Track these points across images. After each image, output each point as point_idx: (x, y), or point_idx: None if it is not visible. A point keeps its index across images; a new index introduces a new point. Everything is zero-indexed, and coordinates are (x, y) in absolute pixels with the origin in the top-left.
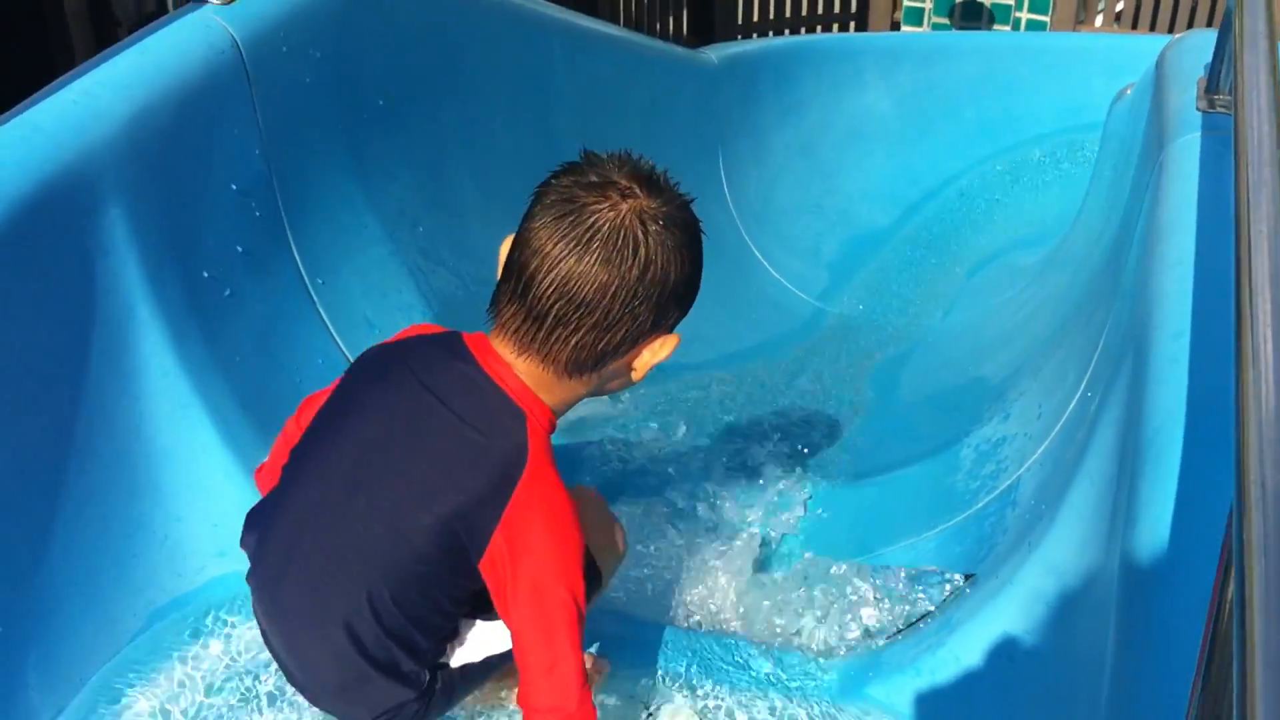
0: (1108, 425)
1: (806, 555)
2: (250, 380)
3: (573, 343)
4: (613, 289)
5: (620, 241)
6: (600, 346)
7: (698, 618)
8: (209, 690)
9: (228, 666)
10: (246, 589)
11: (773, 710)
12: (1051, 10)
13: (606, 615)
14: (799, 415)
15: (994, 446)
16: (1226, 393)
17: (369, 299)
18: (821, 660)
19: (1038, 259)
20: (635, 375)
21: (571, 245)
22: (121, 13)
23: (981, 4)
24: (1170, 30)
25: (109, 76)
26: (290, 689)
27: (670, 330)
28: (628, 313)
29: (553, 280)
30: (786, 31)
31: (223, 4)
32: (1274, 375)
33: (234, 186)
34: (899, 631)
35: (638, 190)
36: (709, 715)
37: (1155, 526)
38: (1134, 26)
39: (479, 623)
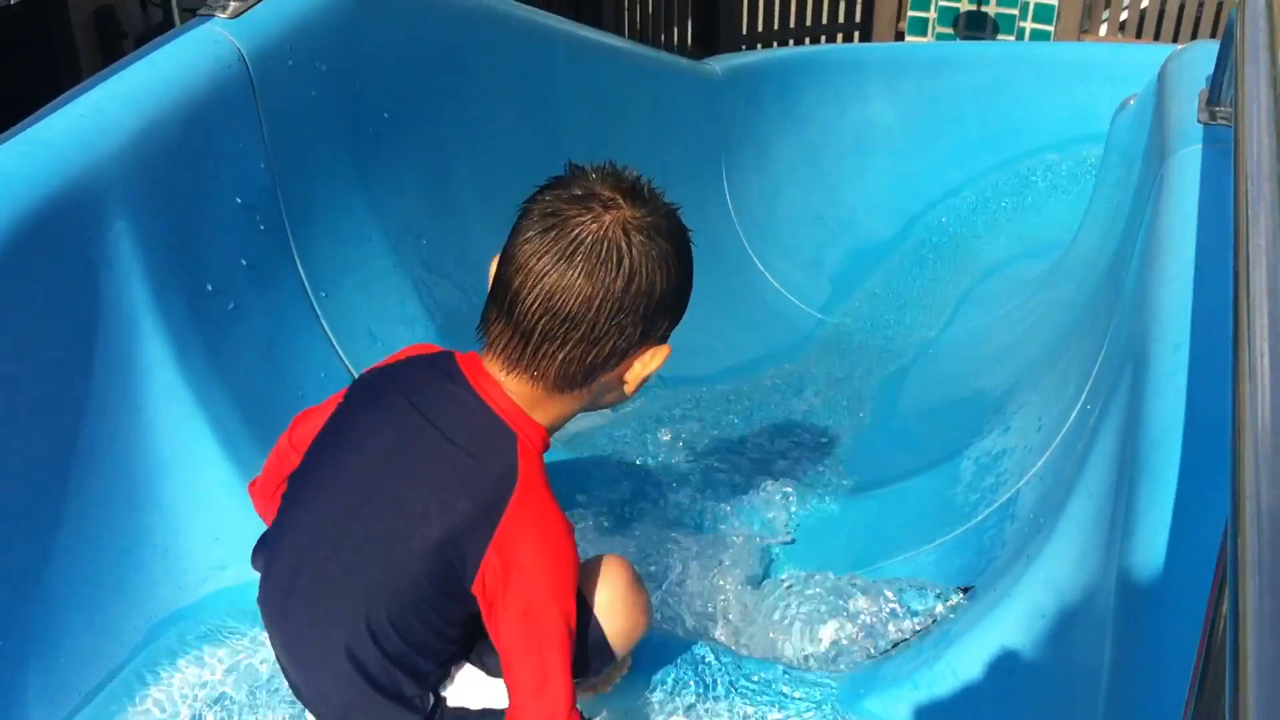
0: (1107, 438)
1: (805, 568)
2: (253, 393)
3: (560, 358)
4: (597, 301)
5: (604, 253)
6: (589, 360)
7: (695, 630)
8: (209, 703)
9: (227, 680)
10: (246, 602)
11: None
12: (1055, 20)
13: None
14: (799, 427)
15: (994, 459)
16: (1224, 407)
17: (372, 312)
18: (819, 673)
19: (1040, 270)
20: (628, 388)
21: (555, 259)
22: (128, 24)
23: (986, 14)
24: (1174, 40)
25: (116, 91)
26: (297, 705)
27: (661, 341)
28: (614, 325)
29: (537, 295)
30: (790, 42)
31: (229, 18)
32: (1271, 390)
33: (239, 200)
34: (897, 645)
35: (621, 201)
36: None
37: (1152, 541)
38: (1138, 36)
39: (479, 675)
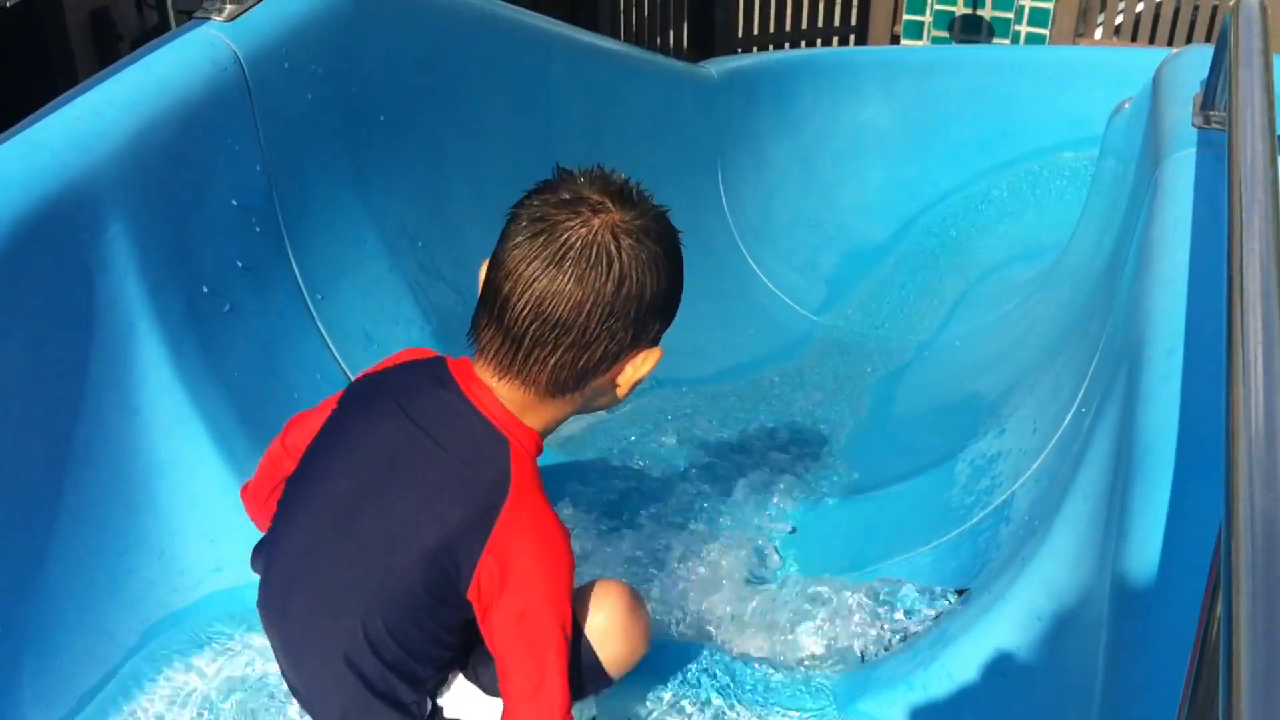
0: (1101, 441)
1: (801, 570)
2: (249, 395)
3: (552, 363)
4: (588, 306)
5: (593, 257)
6: (580, 365)
7: (691, 632)
8: (205, 705)
9: (223, 682)
10: (242, 604)
11: None
12: (1051, 23)
13: None
14: (795, 429)
15: (989, 461)
16: (1218, 410)
17: (368, 314)
18: (815, 675)
19: (1035, 273)
20: (620, 391)
21: (544, 264)
22: (123, 26)
23: (981, 18)
24: (1170, 43)
25: (112, 93)
26: (292, 706)
27: (653, 344)
28: (605, 329)
29: (527, 301)
30: (786, 45)
31: (225, 21)
32: (1264, 393)
33: (235, 202)
34: (892, 646)
35: (610, 205)
36: None
37: (1145, 544)
38: (1133, 39)
39: (476, 692)
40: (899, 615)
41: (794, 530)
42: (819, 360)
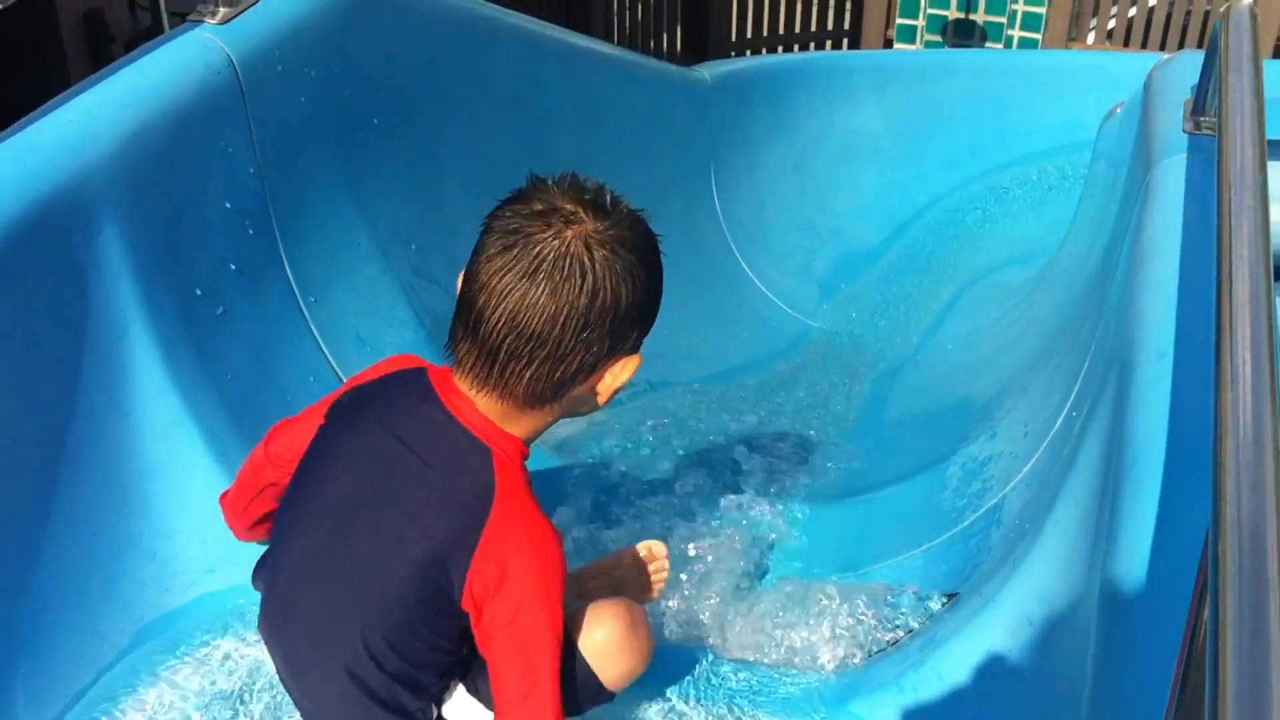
0: (1091, 445)
1: (793, 572)
2: (242, 397)
3: (528, 376)
4: (562, 319)
5: (566, 270)
6: (557, 377)
7: (682, 634)
8: (198, 707)
9: (216, 684)
10: (235, 605)
11: None
12: (1043, 28)
13: None
14: (787, 432)
15: (980, 465)
16: (1208, 414)
17: (361, 317)
18: (806, 677)
19: (1027, 277)
20: (600, 399)
21: (517, 278)
22: (116, 28)
23: (974, 22)
24: (1162, 48)
25: (106, 96)
26: (285, 706)
27: (632, 351)
28: (580, 341)
29: (501, 315)
30: (779, 49)
31: (219, 24)
32: (1252, 397)
33: (228, 205)
34: (883, 649)
35: (583, 215)
36: None
37: (1134, 547)
38: (1125, 44)
39: (478, 706)
40: (890, 618)
41: (786, 533)
42: (812, 363)
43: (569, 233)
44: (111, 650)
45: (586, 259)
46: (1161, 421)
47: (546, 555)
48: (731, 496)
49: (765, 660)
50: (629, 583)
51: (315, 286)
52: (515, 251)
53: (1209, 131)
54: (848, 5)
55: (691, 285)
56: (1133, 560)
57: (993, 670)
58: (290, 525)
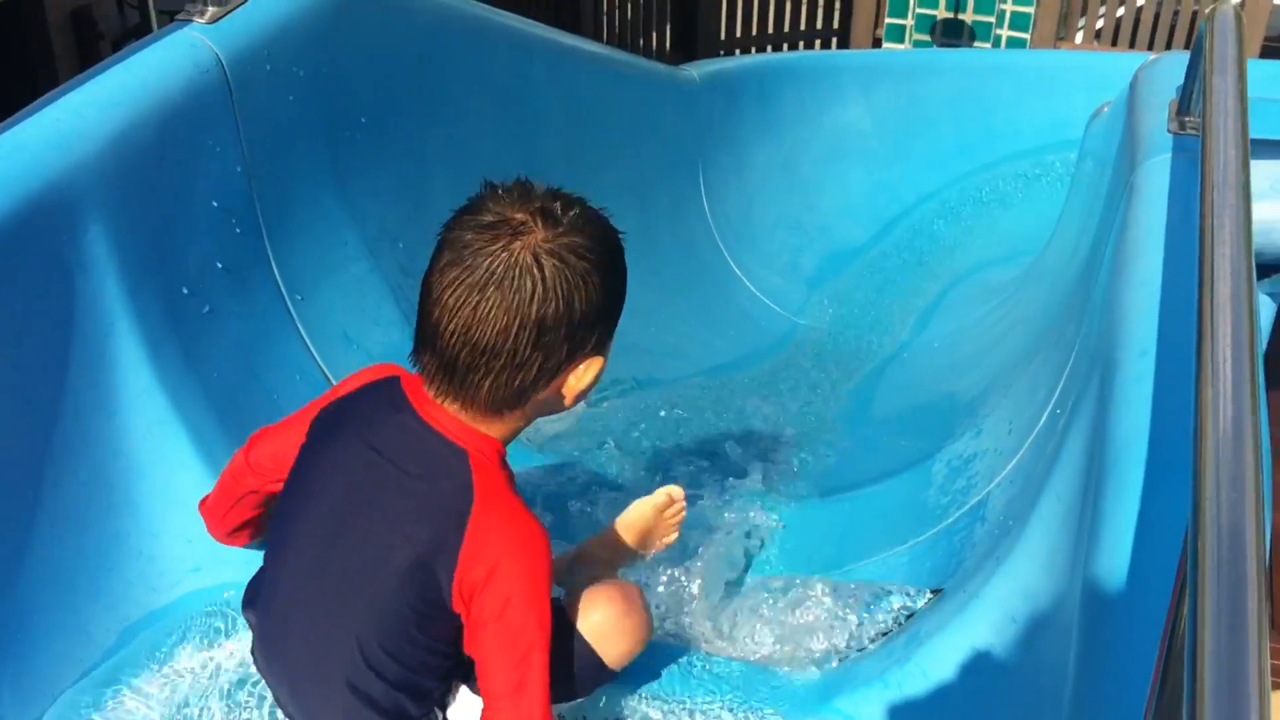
0: (1075, 442)
1: (778, 569)
2: (228, 396)
3: (487, 385)
4: (514, 330)
5: (515, 283)
6: (517, 384)
7: (668, 631)
8: (183, 705)
9: (202, 682)
10: (220, 603)
11: None
12: (1032, 28)
13: None
14: (774, 430)
15: (965, 462)
16: (1189, 412)
17: (348, 315)
18: (792, 673)
19: (1014, 275)
20: (566, 401)
21: (468, 292)
22: (105, 26)
23: (962, 21)
24: (1150, 48)
25: (93, 95)
26: (268, 704)
27: (595, 353)
28: (538, 349)
29: (454, 329)
30: (768, 48)
31: (207, 23)
32: (1233, 395)
33: (215, 204)
34: (868, 645)
35: (533, 224)
36: None
37: (1116, 543)
38: (1113, 44)
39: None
40: (875, 614)
41: (772, 530)
42: (799, 361)
43: (517, 245)
44: (98, 649)
45: (536, 270)
46: (1144, 419)
47: (532, 549)
48: (717, 494)
49: (751, 657)
50: (654, 529)
51: (302, 285)
52: (465, 265)
53: (1193, 132)
54: (836, 5)
55: (679, 283)
56: (1114, 556)
57: (977, 666)
58: (279, 550)
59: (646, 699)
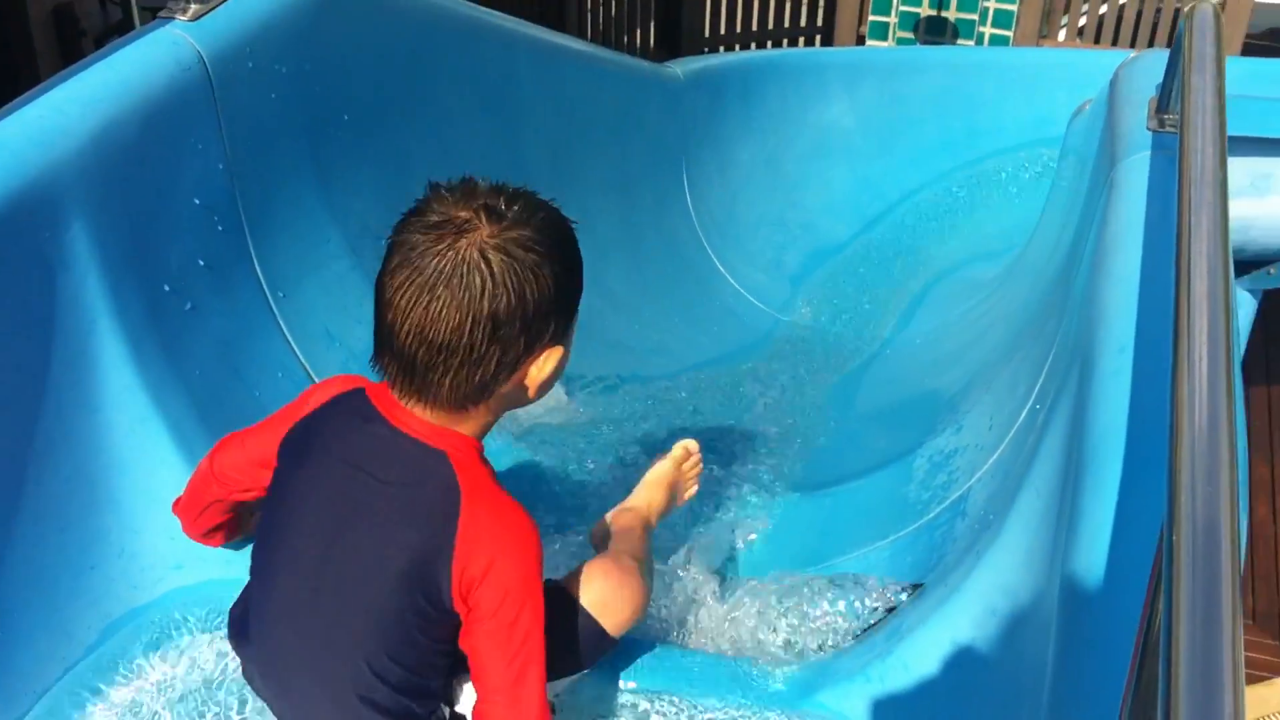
0: (1054, 437)
1: (760, 565)
2: (210, 394)
3: (448, 383)
4: (468, 327)
5: (464, 280)
6: (477, 380)
7: (651, 626)
8: (166, 703)
9: (185, 679)
10: (202, 601)
11: (726, 718)
12: (1015, 25)
13: None
14: (757, 426)
15: (946, 457)
16: (1166, 407)
17: (331, 313)
18: (774, 668)
19: (996, 272)
20: (531, 393)
21: (418, 293)
22: (87, 22)
23: (945, 19)
24: (1132, 45)
25: (75, 92)
26: (251, 700)
27: (554, 342)
28: (494, 343)
29: (409, 330)
30: (752, 45)
31: (190, 20)
32: (1209, 390)
33: (197, 201)
34: (850, 639)
35: (477, 221)
36: None
37: (1093, 537)
38: (1096, 42)
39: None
40: (857, 609)
41: (754, 525)
42: (783, 357)
43: (463, 242)
44: (80, 646)
45: (484, 266)
46: (1121, 414)
47: (524, 541)
48: (701, 489)
49: (733, 652)
50: (676, 483)
51: (284, 282)
52: (413, 266)
53: (1172, 129)
54: (820, 2)
55: (663, 280)
56: (1092, 550)
57: (958, 659)
58: (265, 581)
59: (628, 694)
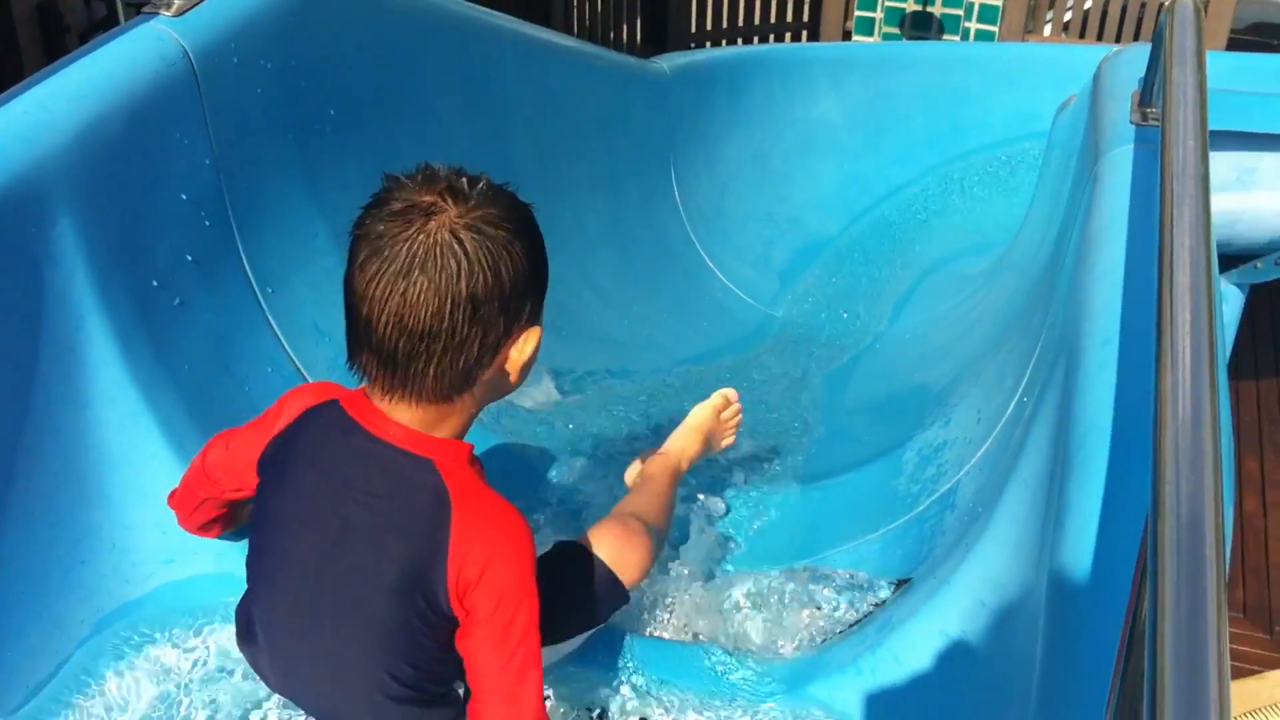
0: (1041, 429)
1: (751, 558)
2: (199, 389)
3: (432, 372)
4: (448, 309)
5: (440, 262)
6: (461, 366)
7: (642, 619)
8: (158, 697)
9: (176, 673)
10: (194, 595)
11: (716, 711)
12: (1000, 20)
13: None
14: (746, 420)
15: (935, 450)
16: (1150, 399)
17: (319, 308)
18: (765, 661)
19: (983, 266)
20: (512, 378)
21: (393, 281)
22: (71, 18)
23: (931, 14)
24: (1118, 40)
25: (60, 88)
26: (244, 695)
27: (530, 324)
28: (475, 324)
29: (387, 320)
30: (739, 41)
31: (174, 15)
32: (1192, 382)
33: (184, 196)
34: (841, 632)
35: (443, 203)
36: (653, 717)
37: (1080, 529)
38: (1081, 36)
39: None
40: (847, 601)
41: (744, 519)
42: (771, 352)
43: (432, 224)
44: (72, 641)
45: (456, 246)
46: (1107, 406)
47: (517, 542)
48: (690, 484)
49: (723, 646)
50: (714, 430)
51: (273, 278)
52: (385, 255)
53: (1155, 123)
54: None
55: (652, 276)
56: (1079, 542)
57: (948, 651)
58: (263, 595)
59: (618, 686)
